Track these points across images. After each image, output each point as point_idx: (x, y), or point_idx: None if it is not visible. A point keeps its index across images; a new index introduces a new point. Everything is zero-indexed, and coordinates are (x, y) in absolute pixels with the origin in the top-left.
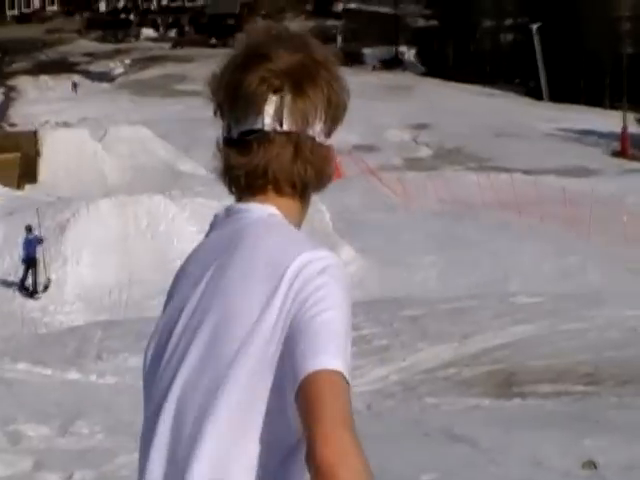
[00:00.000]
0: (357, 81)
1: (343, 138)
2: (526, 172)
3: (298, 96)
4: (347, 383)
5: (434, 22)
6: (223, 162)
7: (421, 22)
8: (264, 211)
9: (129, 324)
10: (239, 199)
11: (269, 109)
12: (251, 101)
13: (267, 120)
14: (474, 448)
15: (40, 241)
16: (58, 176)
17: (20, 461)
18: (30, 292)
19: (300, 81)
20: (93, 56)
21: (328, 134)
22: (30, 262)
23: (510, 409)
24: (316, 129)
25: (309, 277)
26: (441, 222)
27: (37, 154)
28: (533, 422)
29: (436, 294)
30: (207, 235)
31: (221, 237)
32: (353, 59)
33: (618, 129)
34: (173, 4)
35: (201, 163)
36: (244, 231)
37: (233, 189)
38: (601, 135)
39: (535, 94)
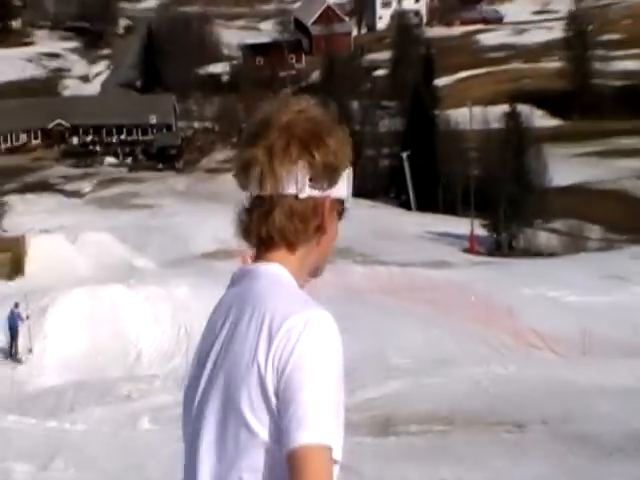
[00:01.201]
0: None
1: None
2: (400, 265)
3: (272, 162)
4: (329, 452)
5: None
6: (239, 227)
7: None
8: (268, 271)
9: (95, 384)
10: (255, 257)
11: (253, 178)
12: (244, 173)
13: (253, 187)
14: (359, 476)
15: (21, 318)
16: (40, 271)
17: None
18: (11, 356)
19: (274, 150)
20: (67, 178)
21: (321, 188)
22: (12, 331)
23: (387, 444)
24: (294, 187)
25: (294, 339)
26: (334, 303)
27: (24, 254)
28: (404, 454)
29: None
30: (228, 288)
31: (236, 293)
32: None
33: (467, 232)
34: (129, 138)
35: (151, 259)
36: (252, 290)
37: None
38: (456, 236)
39: (406, 205)
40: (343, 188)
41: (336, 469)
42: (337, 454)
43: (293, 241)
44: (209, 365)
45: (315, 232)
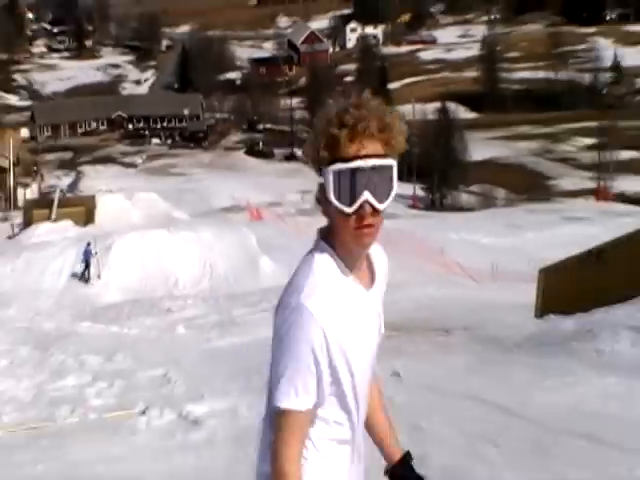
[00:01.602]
0: (270, 167)
1: (262, 198)
2: None
3: None
4: (297, 411)
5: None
6: None
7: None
8: (314, 245)
9: (145, 301)
10: None
11: None
12: None
13: None
14: None
15: (92, 253)
16: (106, 220)
17: (84, 376)
18: (85, 280)
19: None
20: (125, 154)
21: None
22: (86, 263)
23: None
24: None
25: (282, 321)
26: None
27: (94, 207)
28: None
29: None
30: None
31: None
32: (268, 155)
33: (411, 193)
34: (169, 125)
35: (185, 212)
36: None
37: None
38: (402, 196)
39: None
40: (327, 183)
41: (326, 414)
42: (307, 404)
43: (324, 213)
44: None
45: (324, 215)
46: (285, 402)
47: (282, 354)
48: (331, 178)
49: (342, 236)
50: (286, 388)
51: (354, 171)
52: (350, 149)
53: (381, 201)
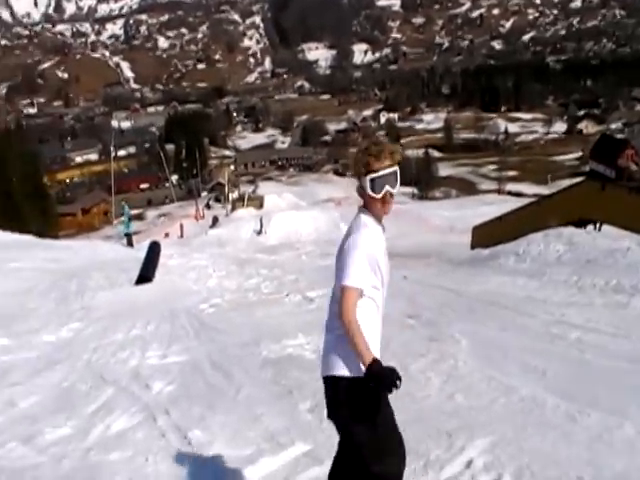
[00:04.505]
0: (344, 180)
1: (340, 194)
2: None
3: None
4: (355, 287)
5: None
6: None
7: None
8: (357, 210)
9: (287, 244)
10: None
11: None
12: None
13: None
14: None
15: (261, 222)
16: (269, 206)
17: (259, 279)
18: (258, 233)
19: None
20: (278, 176)
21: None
22: (261, 225)
23: None
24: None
25: (348, 242)
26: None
27: (263, 201)
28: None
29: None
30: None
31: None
32: (343, 175)
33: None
34: (298, 162)
35: (305, 202)
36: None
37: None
38: (405, 194)
39: None
40: (365, 184)
41: (368, 292)
42: (361, 285)
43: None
44: None
45: (361, 198)
46: (348, 282)
47: (347, 258)
48: (368, 182)
49: (373, 209)
50: (349, 275)
51: (380, 176)
52: (376, 166)
53: (394, 189)
